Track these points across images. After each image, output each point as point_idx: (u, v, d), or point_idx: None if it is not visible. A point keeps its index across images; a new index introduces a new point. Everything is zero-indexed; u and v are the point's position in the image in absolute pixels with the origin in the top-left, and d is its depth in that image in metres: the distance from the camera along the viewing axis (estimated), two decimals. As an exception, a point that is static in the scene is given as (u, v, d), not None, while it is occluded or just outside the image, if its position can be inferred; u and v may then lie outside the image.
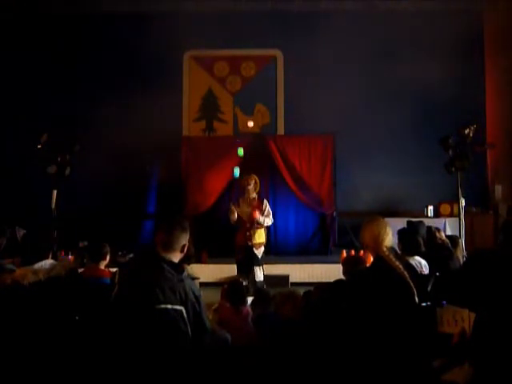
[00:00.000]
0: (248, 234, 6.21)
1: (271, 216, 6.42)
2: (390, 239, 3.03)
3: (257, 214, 6.18)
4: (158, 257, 2.71)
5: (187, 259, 4.75)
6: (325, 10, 9.94)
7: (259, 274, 6.26)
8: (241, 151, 7.87)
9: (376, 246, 3.00)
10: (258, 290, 5.38)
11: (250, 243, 6.22)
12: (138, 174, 9.46)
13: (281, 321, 3.54)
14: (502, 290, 2.60)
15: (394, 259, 2.94)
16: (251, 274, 6.18)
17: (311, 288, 4.33)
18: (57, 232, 7.18)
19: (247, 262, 6.25)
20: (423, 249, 4.64)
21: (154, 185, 9.82)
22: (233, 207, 6.32)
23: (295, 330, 3.26)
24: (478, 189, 9.42)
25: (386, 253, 2.96)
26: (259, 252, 6.30)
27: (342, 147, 9.35)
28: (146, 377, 2.55)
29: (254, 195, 6.41)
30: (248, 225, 6.22)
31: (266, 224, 6.35)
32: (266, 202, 6.46)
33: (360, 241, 3.17)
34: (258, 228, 6.30)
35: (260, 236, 6.32)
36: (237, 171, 7.19)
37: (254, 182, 6.37)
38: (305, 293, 4.10)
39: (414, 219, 5.81)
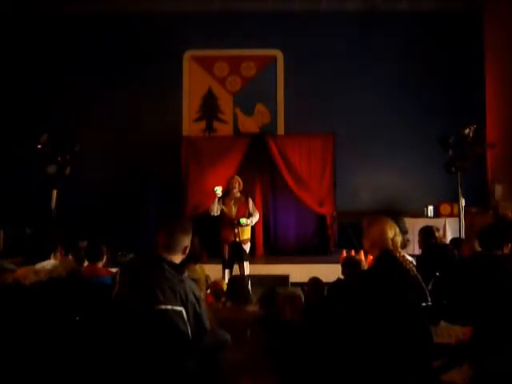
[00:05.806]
0: (236, 230, 6.59)
1: (256, 213, 6.81)
2: (400, 239, 3.00)
3: (244, 220, 6.58)
4: (159, 257, 2.70)
5: (195, 259, 4.87)
6: (325, 10, 9.95)
7: (247, 268, 6.64)
8: None
9: (384, 243, 2.95)
10: (264, 290, 5.43)
11: (238, 239, 6.58)
12: (138, 173, 9.45)
13: (281, 322, 3.54)
14: (501, 290, 2.60)
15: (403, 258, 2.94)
16: (239, 269, 6.60)
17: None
18: (57, 232, 7.19)
19: (235, 257, 6.66)
20: (405, 245, 4.62)
21: (154, 185, 9.81)
22: (216, 200, 6.70)
23: (295, 330, 3.26)
24: (478, 189, 9.41)
25: (402, 253, 2.95)
26: (247, 247, 6.74)
27: (342, 147, 9.35)
28: (146, 377, 2.55)
29: (239, 195, 6.82)
30: (235, 222, 6.59)
31: (253, 223, 6.80)
32: (250, 200, 6.89)
33: (365, 239, 3.05)
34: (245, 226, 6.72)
35: (247, 232, 6.76)
36: None
37: (238, 184, 6.84)
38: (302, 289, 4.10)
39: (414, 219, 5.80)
